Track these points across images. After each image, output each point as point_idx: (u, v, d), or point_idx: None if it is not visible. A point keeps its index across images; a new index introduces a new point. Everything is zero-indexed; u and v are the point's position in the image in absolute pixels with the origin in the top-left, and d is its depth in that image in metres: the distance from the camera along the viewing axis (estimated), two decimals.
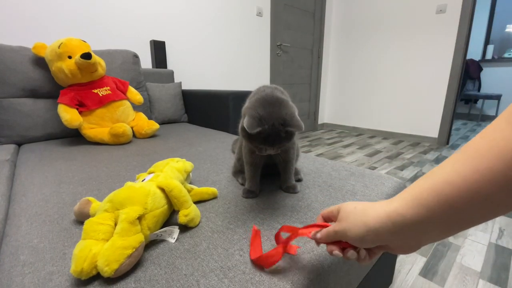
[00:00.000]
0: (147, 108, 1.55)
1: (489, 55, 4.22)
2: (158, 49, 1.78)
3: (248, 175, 0.61)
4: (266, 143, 0.48)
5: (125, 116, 1.25)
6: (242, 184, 0.66)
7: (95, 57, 1.14)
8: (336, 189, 0.64)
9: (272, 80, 2.74)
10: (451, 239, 1.05)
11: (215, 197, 0.60)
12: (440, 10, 2.40)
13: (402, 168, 1.90)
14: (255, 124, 0.46)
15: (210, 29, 2.14)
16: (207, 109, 1.63)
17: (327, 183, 0.67)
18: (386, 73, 2.88)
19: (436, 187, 0.23)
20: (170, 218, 0.51)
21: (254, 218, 0.51)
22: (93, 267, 0.35)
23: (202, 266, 0.38)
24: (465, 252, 0.97)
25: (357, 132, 3.25)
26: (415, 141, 2.74)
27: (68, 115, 1.07)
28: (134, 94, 1.33)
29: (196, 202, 0.56)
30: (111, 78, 1.28)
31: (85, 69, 1.13)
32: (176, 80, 2.00)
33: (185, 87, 2.05)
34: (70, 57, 1.11)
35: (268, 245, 0.43)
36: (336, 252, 0.32)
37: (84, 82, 1.16)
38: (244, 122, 0.45)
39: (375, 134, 3.09)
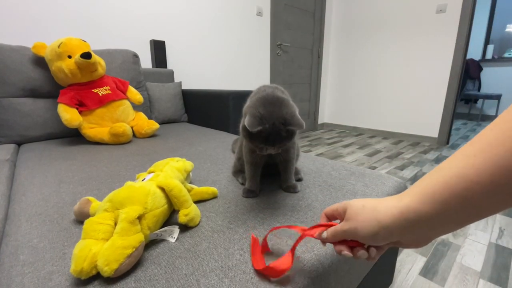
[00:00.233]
0: (147, 107, 1.55)
1: (489, 55, 4.22)
2: (158, 49, 1.78)
3: (248, 175, 0.61)
4: (267, 142, 0.48)
5: (125, 116, 1.25)
6: (242, 184, 0.66)
7: (95, 57, 1.14)
8: (336, 188, 0.64)
9: (272, 80, 2.74)
10: (451, 239, 1.05)
11: (215, 197, 0.60)
12: (440, 10, 2.40)
13: (402, 168, 1.90)
14: (256, 122, 0.46)
15: (210, 29, 2.14)
16: (207, 109, 1.63)
17: (327, 183, 0.67)
18: (386, 73, 2.88)
19: (450, 182, 0.23)
20: (170, 217, 0.51)
21: (254, 218, 0.51)
22: (93, 266, 0.35)
23: (203, 266, 0.38)
24: (465, 252, 0.97)
25: (357, 132, 3.25)
26: (415, 141, 2.74)
27: (68, 114, 1.07)
28: (134, 93, 1.33)
29: (196, 202, 0.56)
30: (111, 77, 1.28)
31: (85, 69, 1.13)
32: (176, 79, 2.00)
33: (185, 86, 2.05)
34: (70, 57, 1.11)
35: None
36: (346, 252, 0.32)
37: (84, 82, 1.16)
38: (245, 120, 0.46)
39: (375, 134, 3.09)
